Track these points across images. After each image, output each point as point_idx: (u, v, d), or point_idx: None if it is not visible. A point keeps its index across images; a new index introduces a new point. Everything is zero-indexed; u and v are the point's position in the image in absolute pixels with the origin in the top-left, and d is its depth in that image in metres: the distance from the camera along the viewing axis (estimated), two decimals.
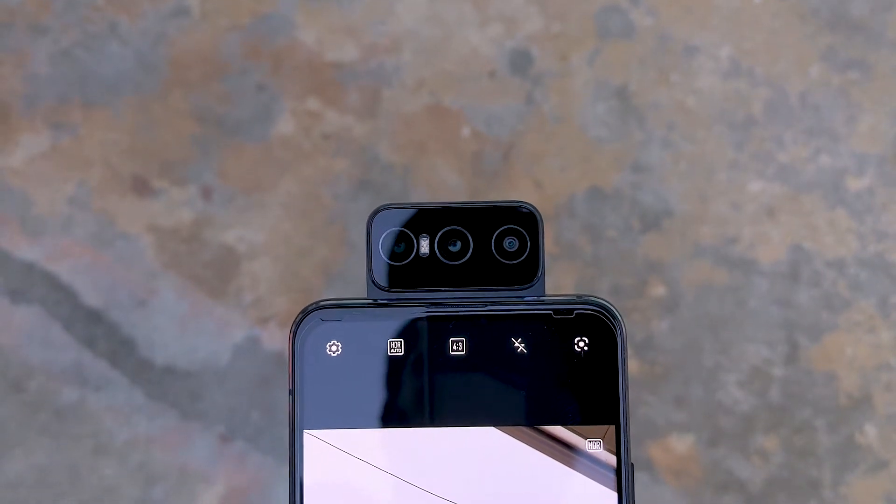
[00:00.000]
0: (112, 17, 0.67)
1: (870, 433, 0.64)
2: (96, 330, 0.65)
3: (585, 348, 0.36)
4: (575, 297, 0.36)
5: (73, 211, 0.65)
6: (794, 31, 0.67)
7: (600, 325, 0.36)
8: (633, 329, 0.64)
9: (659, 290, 0.65)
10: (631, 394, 0.62)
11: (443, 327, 0.36)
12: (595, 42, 0.67)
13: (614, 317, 0.36)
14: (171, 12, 0.67)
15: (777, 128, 0.66)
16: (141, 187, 0.66)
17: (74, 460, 0.64)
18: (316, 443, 0.35)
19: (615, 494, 0.36)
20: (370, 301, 0.36)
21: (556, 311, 0.36)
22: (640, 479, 0.63)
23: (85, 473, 0.64)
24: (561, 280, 0.65)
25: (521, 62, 0.67)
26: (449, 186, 0.65)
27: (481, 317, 0.36)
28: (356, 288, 0.65)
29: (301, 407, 0.35)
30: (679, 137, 0.66)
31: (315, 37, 0.67)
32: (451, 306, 0.36)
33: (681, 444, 0.64)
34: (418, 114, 0.66)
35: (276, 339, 0.65)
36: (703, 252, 0.65)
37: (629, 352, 0.64)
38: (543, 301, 0.36)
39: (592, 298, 0.36)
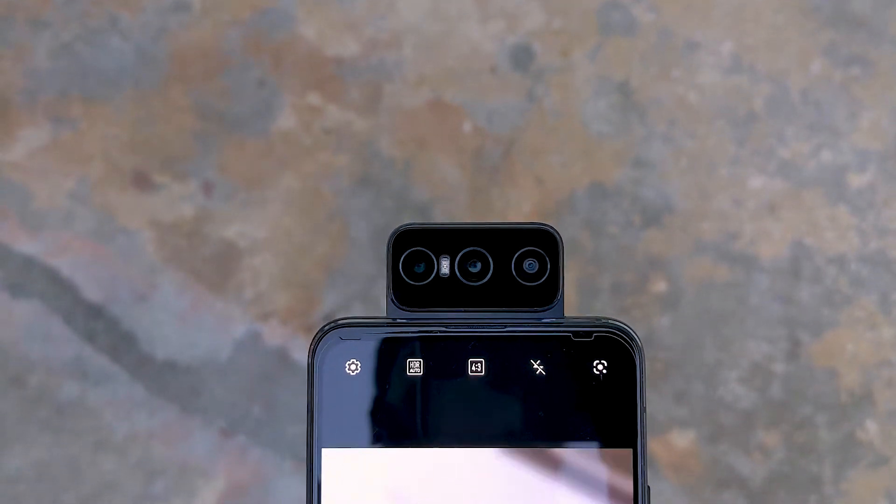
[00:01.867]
0: (112, 11, 0.67)
1: (871, 429, 0.64)
2: (97, 324, 0.65)
3: (604, 371, 0.36)
4: (594, 320, 0.36)
5: (73, 205, 0.65)
6: (795, 26, 0.66)
7: (619, 348, 0.36)
8: (634, 325, 0.64)
9: (660, 287, 0.65)
10: None
11: (461, 348, 0.36)
12: (596, 38, 0.67)
13: (633, 340, 0.36)
14: (171, 7, 0.67)
15: (778, 124, 0.66)
16: (141, 182, 0.66)
17: (75, 455, 0.64)
18: (334, 460, 0.35)
19: None
20: (390, 320, 0.36)
21: (575, 334, 0.36)
22: None
23: (85, 468, 0.64)
24: None
25: (522, 58, 0.66)
26: (450, 182, 0.65)
27: (500, 338, 0.36)
28: (357, 284, 0.65)
29: (319, 425, 0.35)
30: (680, 133, 0.66)
31: (316, 32, 0.67)
32: (470, 327, 0.36)
33: (681, 439, 0.64)
34: (419, 109, 0.66)
35: (276, 335, 0.65)
36: (704, 248, 0.65)
37: None
38: (562, 323, 0.36)
39: (611, 321, 0.36)
